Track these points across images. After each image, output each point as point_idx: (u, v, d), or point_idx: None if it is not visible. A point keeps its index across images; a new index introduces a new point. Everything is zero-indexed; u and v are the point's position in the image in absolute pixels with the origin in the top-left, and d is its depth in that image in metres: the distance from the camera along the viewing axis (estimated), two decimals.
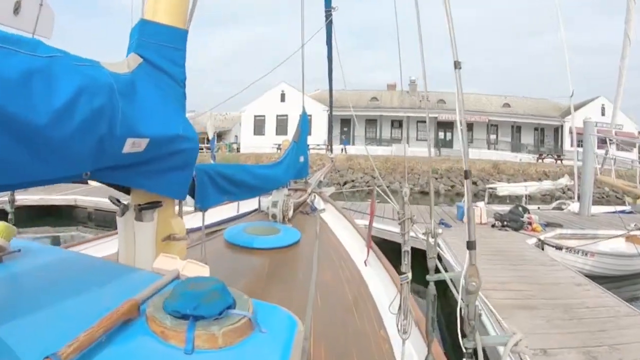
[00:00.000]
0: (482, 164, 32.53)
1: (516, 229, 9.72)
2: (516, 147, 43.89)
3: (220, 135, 52.68)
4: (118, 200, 2.26)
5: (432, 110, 45.26)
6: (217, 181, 2.89)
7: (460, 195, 29.27)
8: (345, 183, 30.48)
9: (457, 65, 2.23)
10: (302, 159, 5.83)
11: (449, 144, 45.32)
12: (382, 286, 3.55)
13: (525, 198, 15.36)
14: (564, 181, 16.21)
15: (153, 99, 1.96)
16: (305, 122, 6.37)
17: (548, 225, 10.33)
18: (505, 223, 9.91)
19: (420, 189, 30.26)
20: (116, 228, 2.31)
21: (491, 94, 50.98)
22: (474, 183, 30.28)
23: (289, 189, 5.96)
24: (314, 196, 6.55)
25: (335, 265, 3.85)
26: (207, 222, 4.73)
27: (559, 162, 36.67)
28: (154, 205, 2.20)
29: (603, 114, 43.08)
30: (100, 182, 1.91)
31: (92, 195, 14.17)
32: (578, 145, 41.10)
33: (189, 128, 2.19)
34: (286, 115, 43.85)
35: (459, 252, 7.33)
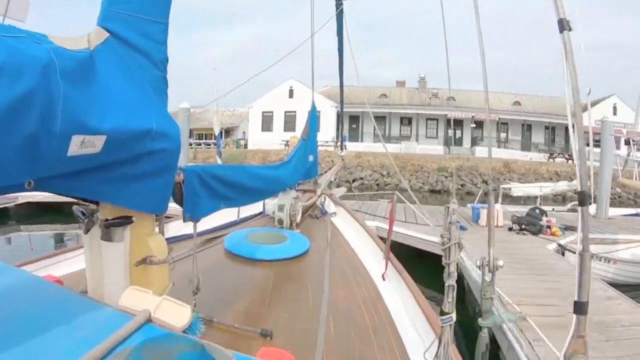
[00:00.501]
0: (493, 162, 31.95)
1: (535, 233, 9.25)
2: (526, 145, 43.27)
3: (228, 132, 52.45)
4: (83, 213, 1.80)
5: (443, 108, 44.83)
6: (212, 185, 2.40)
7: (470, 194, 28.82)
8: (354, 181, 30.13)
9: (564, 25, 1.70)
10: (311, 158, 5.38)
11: (458, 141, 44.78)
12: (404, 307, 3.09)
13: (540, 199, 14.85)
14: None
15: (118, 84, 1.50)
16: (314, 118, 5.87)
17: (567, 228, 9.84)
18: (523, 227, 9.43)
19: (430, 187, 29.76)
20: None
21: (501, 92, 50.32)
22: (485, 182, 29.79)
23: (296, 191, 5.53)
24: (324, 198, 6.07)
25: (350, 281, 3.39)
26: (204, 228, 4.30)
27: (570, 161, 36.06)
28: (123, 221, 1.73)
29: (615, 113, 42.43)
30: (50, 192, 1.47)
31: None
32: (588, 145, 40.75)
33: (167, 122, 1.72)
34: (294, 112, 43.45)
35: (477, 258, 6.90)
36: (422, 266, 8.72)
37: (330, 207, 5.88)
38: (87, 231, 1.78)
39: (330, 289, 3.05)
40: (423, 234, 8.84)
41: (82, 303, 1.57)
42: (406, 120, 46.15)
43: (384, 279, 3.55)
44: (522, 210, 14.30)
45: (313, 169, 5.65)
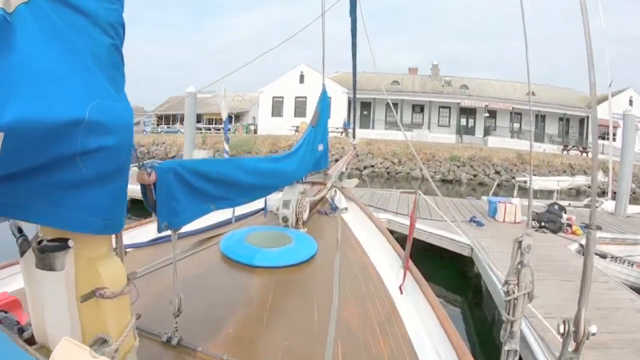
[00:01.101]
0: (506, 153, 31.39)
1: (554, 231, 8.80)
2: (540, 136, 42.48)
3: (237, 117, 52.08)
4: (19, 229, 1.38)
5: (455, 96, 44.17)
6: (196, 183, 1.99)
7: (482, 185, 28.32)
8: (364, 168, 29.68)
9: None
10: (320, 147, 4.94)
11: (471, 130, 44.10)
12: (424, 328, 2.68)
13: (557, 193, 14.36)
14: (599, 177, 15.14)
15: (40, 57, 1.05)
16: (325, 103, 5.36)
17: (587, 226, 9.36)
18: (543, 224, 8.96)
19: (442, 176, 29.27)
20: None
21: (516, 81, 49.56)
22: (498, 172, 29.29)
23: (304, 183, 5.10)
24: (335, 191, 5.62)
25: (363, 293, 2.98)
26: (197, 226, 3.87)
27: (584, 154, 35.39)
28: (59, 245, 1.26)
29: (631, 106, 41.54)
30: None
31: None
32: (603, 138, 40.05)
33: (111, 109, 1.22)
34: (305, 97, 42.94)
35: (496, 258, 6.46)
36: (433, 262, 8.34)
37: (341, 201, 5.45)
38: (22, 253, 1.34)
39: (339, 304, 2.65)
40: (440, 229, 8.42)
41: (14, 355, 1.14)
42: (418, 108, 45.46)
43: (401, 292, 3.12)
44: (538, 204, 13.83)
45: (323, 159, 5.22)
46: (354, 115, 8.77)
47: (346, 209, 5.17)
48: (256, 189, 2.77)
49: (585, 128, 42.69)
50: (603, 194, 16.16)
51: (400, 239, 9.55)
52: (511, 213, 9.33)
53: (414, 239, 8.36)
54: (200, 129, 44.22)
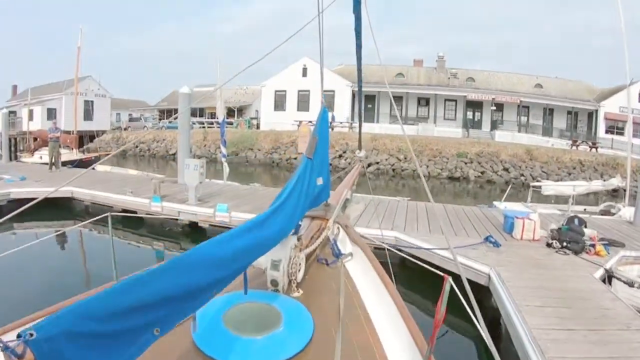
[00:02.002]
0: (515, 148, 30.62)
1: (577, 252, 8.04)
2: (547, 130, 41.64)
3: (240, 110, 51.39)
4: None
5: (461, 89, 43.34)
6: (113, 328, 1.28)
7: (491, 182, 27.57)
8: (369, 165, 28.95)
9: None
10: (320, 181, 4.14)
11: (477, 124, 43.31)
12: None
13: (572, 199, 13.62)
14: (616, 181, 14.38)
15: None
16: (324, 124, 4.38)
17: (611, 244, 8.60)
18: (564, 244, 8.20)
19: (449, 174, 28.53)
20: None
21: (522, 73, 48.76)
22: (506, 170, 28.55)
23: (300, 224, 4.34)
24: (338, 229, 4.79)
25: None
26: None
27: (593, 150, 34.58)
28: None
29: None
30: None
31: (89, 187, 13.00)
32: (611, 132, 39.04)
33: None
34: (308, 91, 42.22)
35: (520, 296, 5.71)
36: (436, 286, 7.64)
37: (345, 244, 4.65)
38: None
39: None
40: (441, 249, 7.74)
41: None
42: (424, 101, 44.65)
43: None
44: (549, 212, 13.10)
45: (324, 193, 4.43)
46: (360, 123, 7.73)
47: (351, 255, 4.37)
48: (225, 279, 2.05)
49: (594, 122, 41.75)
50: (614, 195, 15.40)
51: (408, 262, 8.82)
52: (530, 230, 8.59)
53: (421, 259, 7.63)
54: (203, 124, 43.59)
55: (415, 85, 43.96)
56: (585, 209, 14.51)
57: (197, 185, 10.87)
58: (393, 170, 29.73)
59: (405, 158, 30.14)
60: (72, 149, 24.36)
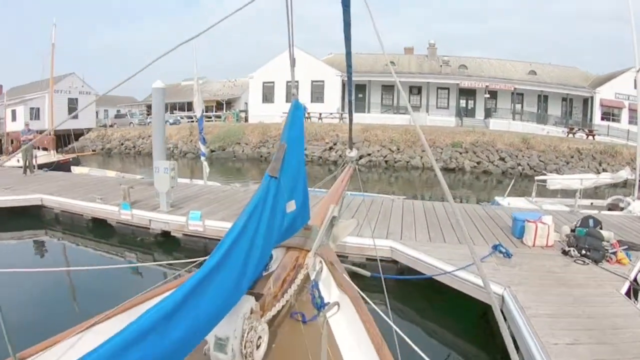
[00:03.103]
0: (510, 137, 29.68)
1: (597, 261, 7.04)
2: (542, 118, 40.70)
3: (229, 103, 50.27)
4: None
5: (454, 77, 42.29)
6: None
7: (487, 173, 26.66)
8: (360, 157, 27.84)
9: None
10: (292, 206, 3.00)
11: (471, 112, 42.30)
12: None
13: (579, 193, 12.66)
14: (625, 174, 13.37)
15: None
16: (296, 125, 3.07)
17: (630, 248, 7.61)
18: (583, 252, 7.18)
19: (444, 165, 27.55)
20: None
21: (515, 60, 47.83)
22: (502, 159, 27.64)
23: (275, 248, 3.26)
24: (320, 264, 3.61)
25: None
26: None
27: (590, 137, 33.68)
28: None
29: (636, 87, 39.64)
30: None
31: (60, 194, 11.97)
32: (607, 119, 38.32)
33: None
34: (297, 82, 41.07)
35: (544, 330, 4.70)
36: (448, 302, 6.66)
37: (329, 286, 3.48)
38: None
39: None
40: (459, 265, 6.53)
41: None
42: (415, 90, 43.51)
43: None
44: (555, 208, 12.16)
45: (300, 216, 3.27)
46: (350, 118, 6.37)
47: (337, 306, 3.20)
48: None
49: (590, 109, 40.87)
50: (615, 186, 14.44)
51: (407, 271, 7.82)
52: (543, 236, 7.57)
53: (420, 273, 6.64)
54: (192, 118, 42.33)
55: (407, 73, 42.83)
56: (592, 203, 13.58)
57: (169, 191, 9.76)
58: (386, 162, 28.72)
59: (398, 149, 29.15)
60: (49, 150, 23.11)
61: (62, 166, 20.91)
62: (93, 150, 34.12)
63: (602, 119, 39.73)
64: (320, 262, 3.44)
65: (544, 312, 5.09)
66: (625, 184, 14.15)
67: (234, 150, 32.21)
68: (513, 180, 13.67)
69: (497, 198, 13.69)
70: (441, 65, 44.85)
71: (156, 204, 10.13)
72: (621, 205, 13.08)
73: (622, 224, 9.93)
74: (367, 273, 4.72)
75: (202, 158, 14.20)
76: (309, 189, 3.14)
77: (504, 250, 7.01)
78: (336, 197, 4.51)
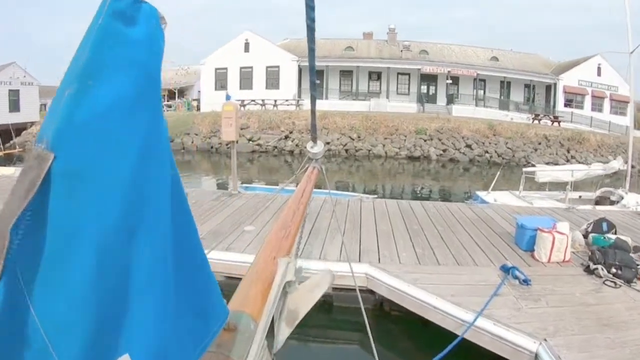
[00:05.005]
0: (476, 123, 28.32)
1: (629, 281, 5.33)
2: (505, 104, 39.66)
3: (182, 92, 47.74)
4: None
5: (415, 62, 40.78)
6: None
7: (454, 161, 25.21)
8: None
9: None
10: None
11: (432, 98, 40.89)
12: None
13: (570, 185, 11.10)
14: (617, 164, 11.93)
15: None
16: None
17: None
18: (614, 270, 5.43)
19: (408, 153, 25.92)
20: None
21: (477, 46, 46.82)
22: (469, 146, 26.23)
23: None
24: None
25: None
26: None
27: (555, 124, 32.76)
28: None
29: (599, 74, 39.68)
30: None
31: None
32: (570, 106, 37.90)
33: None
34: (251, 67, 38.95)
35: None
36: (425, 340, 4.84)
37: None
38: None
39: None
40: (477, 311, 4.52)
41: None
42: (375, 75, 41.82)
43: None
44: (547, 204, 10.61)
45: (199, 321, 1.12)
46: (313, 108, 4.49)
47: None
48: None
49: (553, 95, 40.16)
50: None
51: (386, 306, 5.85)
52: (561, 250, 5.78)
53: (421, 317, 4.82)
54: None
55: (367, 58, 41.11)
56: (580, 196, 12.07)
57: None
58: (346, 151, 26.88)
59: (359, 137, 27.36)
60: None
61: None
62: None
63: (565, 105, 39.17)
64: None
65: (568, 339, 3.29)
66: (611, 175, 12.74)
67: (182, 142, 29.58)
68: (499, 172, 11.99)
69: (478, 193, 11.96)
70: (402, 51, 43.23)
71: None
72: (612, 198, 11.65)
73: (625, 222, 8.31)
74: None
75: None
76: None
77: (518, 275, 5.13)
78: (291, 234, 1.96)
